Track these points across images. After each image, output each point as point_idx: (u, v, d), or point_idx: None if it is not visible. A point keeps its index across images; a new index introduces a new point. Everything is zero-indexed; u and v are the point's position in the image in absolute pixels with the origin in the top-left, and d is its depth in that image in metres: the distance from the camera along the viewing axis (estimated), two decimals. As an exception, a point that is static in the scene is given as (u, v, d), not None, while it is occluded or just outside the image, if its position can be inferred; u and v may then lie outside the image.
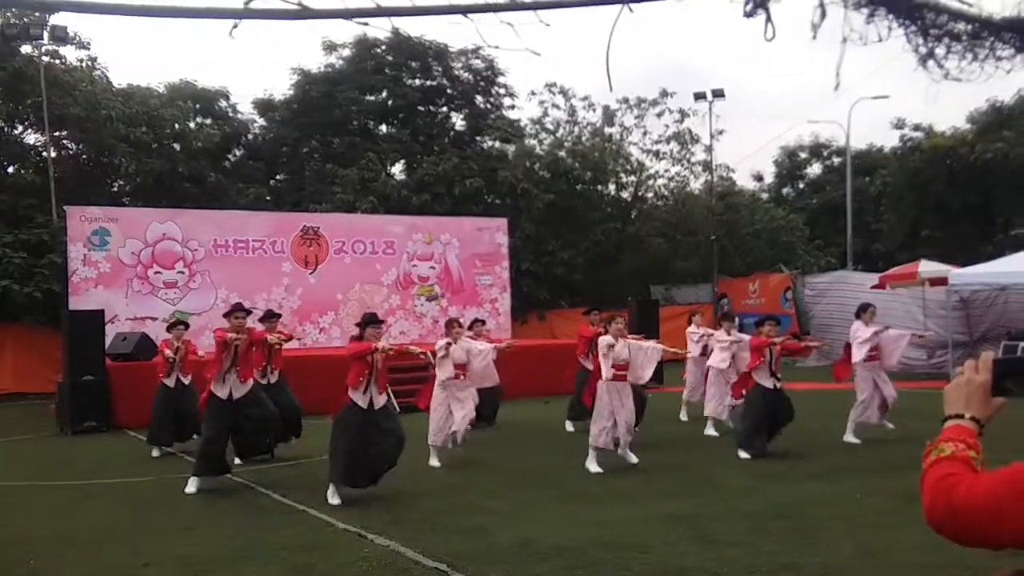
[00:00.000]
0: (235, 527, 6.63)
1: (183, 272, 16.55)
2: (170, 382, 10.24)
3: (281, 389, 9.92)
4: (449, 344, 9.05)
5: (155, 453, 10.24)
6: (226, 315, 8.53)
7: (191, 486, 8.06)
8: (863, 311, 10.11)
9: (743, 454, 9.06)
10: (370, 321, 7.76)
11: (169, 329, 10.61)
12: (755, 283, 23.16)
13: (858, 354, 9.90)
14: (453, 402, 9.23)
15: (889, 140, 30.16)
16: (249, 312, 8.89)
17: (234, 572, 5.43)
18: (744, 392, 9.60)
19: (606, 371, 8.55)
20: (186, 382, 10.29)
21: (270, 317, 10.22)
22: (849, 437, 9.82)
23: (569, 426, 11.35)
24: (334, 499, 7.31)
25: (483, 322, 12.02)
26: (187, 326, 10.94)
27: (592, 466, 8.49)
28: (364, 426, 7.36)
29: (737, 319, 13.37)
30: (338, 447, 7.42)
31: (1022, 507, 1.43)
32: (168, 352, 10.21)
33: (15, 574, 5.55)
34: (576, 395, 11.02)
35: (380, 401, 7.52)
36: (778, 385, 9.31)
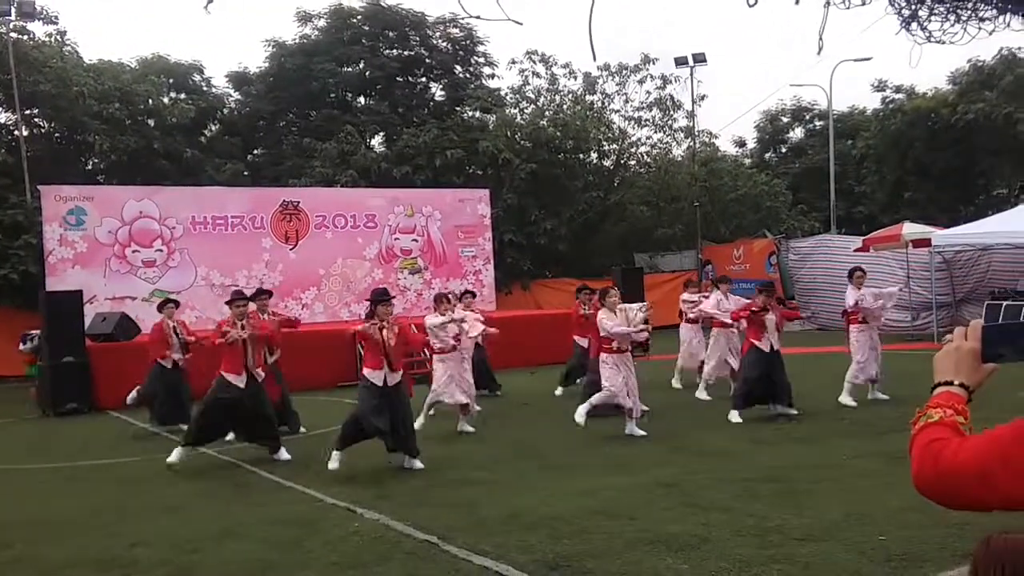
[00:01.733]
0: (223, 505, 6.59)
1: (161, 250, 16.35)
2: (167, 362, 10.20)
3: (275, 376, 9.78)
4: (451, 320, 9.10)
5: (153, 428, 10.25)
6: (228, 303, 8.37)
7: (174, 456, 7.97)
8: (851, 276, 10.17)
9: (734, 417, 9.10)
10: (379, 299, 7.54)
11: (160, 308, 10.56)
12: (739, 249, 23.21)
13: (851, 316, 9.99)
14: (458, 379, 9.29)
15: (871, 102, 29.99)
16: (250, 299, 8.76)
17: (223, 550, 5.39)
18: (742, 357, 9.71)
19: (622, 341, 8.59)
20: (181, 363, 10.25)
21: (260, 295, 10.10)
22: (845, 398, 9.81)
23: (559, 391, 11.45)
24: (333, 464, 7.29)
25: (473, 294, 11.99)
26: (178, 304, 10.86)
27: (580, 418, 8.48)
28: (380, 404, 7.32)
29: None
30: (349, 419, 7.45)
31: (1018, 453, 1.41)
32: (167, 329, 10.17)
33: (1, 557, 5.49)
34: (573, 364, 11.26)
35: (394, 379, 7.45)
36: (775, 347, 9.34)
